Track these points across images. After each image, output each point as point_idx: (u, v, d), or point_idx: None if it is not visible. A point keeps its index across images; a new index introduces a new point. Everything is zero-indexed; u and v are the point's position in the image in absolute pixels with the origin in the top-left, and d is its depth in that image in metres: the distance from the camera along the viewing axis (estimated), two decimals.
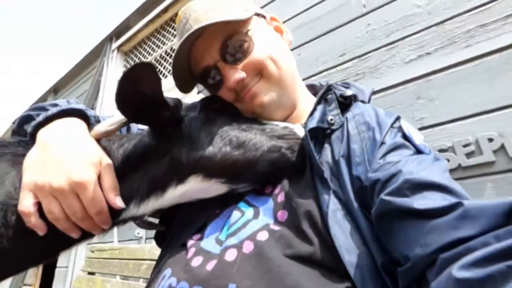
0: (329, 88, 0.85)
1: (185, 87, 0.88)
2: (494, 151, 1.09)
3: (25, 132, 0.73)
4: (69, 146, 0.63)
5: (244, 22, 0.82)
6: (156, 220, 0.87)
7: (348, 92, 0.85)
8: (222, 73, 0.82)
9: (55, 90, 5.28)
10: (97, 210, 0.61)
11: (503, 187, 1.05)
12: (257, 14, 0.87)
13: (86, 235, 0.67)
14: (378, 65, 1.50)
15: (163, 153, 0.70)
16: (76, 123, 0.71)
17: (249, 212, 0.70)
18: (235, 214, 0.70)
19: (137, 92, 0.61)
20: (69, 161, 0.61)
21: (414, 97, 1.34)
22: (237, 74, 0.79)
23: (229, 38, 0.80)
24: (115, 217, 0.66)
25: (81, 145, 0.65)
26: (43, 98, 5.40)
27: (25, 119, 0.76)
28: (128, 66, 3.92)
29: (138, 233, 2.69)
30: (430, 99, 1.29)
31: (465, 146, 1.15)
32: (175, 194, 0.70)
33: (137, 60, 3.84)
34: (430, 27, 1.38)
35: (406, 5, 1.49)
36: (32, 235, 0.60)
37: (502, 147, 1.08)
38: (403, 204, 0.55)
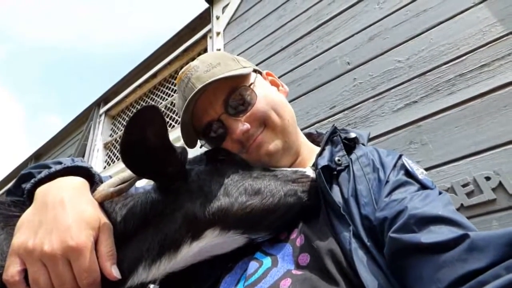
0: (334, 131, 0.88)
1: (190, 143, 0.90)
2: (493, 189, 1.11)
3: (22, 191, 0.68)
4: (67, 207, 0.58)
5: (245, 77, 0.87)
6: None
7: (352, 135, 0.89)
8: (226, 125, 0.84)
9: (37, 156, 5.16)
10: (89, 282, 0.53)
11: (509, 224, 1.06)
12: (255, 70, 0.93)
13: None
14: (368, 115, 1.58)
15: (173, 209, 0.66)
16: (78, 182, 0.67)
17: (267, 261, 0.67)
18: (253, 264, 0.67)
19: (143, 140, 0.59)
20: (66, 224, 0.55)
21: (407, 142, 1.39)
22: (242, 125, 0.81)
23: (232, 92, 0.84)
24: (120, 285, 0.59)
25: (81, 206, 0.60)
26: (24, 164, 5.24)
27: (24, 178, 0.72)
28: (116, 129, 3.95)
29: None
30: (423, 143, 1.34)
31: (464, 186, 1.17)
32: (189, 253, 0.64)
33: (124, 123, 3.87)
34: (412, 78, 1.49)
35: (388, 60, 1.62)
36: None
37: (501, 184, 1.11)
38: (411, 240, 0.55)
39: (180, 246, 0.63)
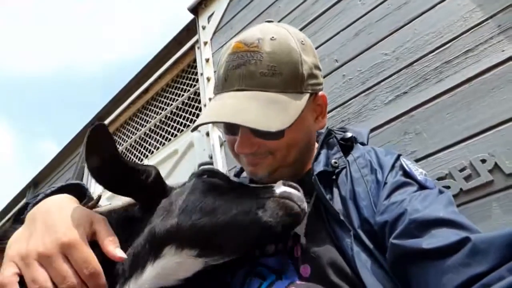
0: (329, 133, 0.87)
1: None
2: (490, 171, 1.13)
3: (21, 221, 0.67)
4: (55, 214, 0.59)
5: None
6: None
7: (348, 134, 0.88)
8: (238, 131, 0.79)
9: (35, 183, 5.13)
10: (90, 272, 0.53)
11: (508, 204, 1.07)
12: (311, 93, 0.83)
13: None
14: (360, 110, 1.59)
15: (144, 226, 0.66)
16: (64, 196, 0.67)
17: (271, 276, 0.68)
18: (255, 282, 0.67)
19: (102, 159, 0.60)
20: (56, 225, 0.56)
21: (401, 133, 1.40)
22: (247, 148, 0.78)
23: None
24: None
25: (67, 211, 0.60)
26: (22, 193, 5.21)
27: (22, 210, 0.71)
28: None
29: None
30: (417, 133, 1.36)
31: (461, 170, 1.19)
32: (153, 273, 0.62)
33: (121, 141, 3.87)
34: (401, 70, 1.51)
35: (375, 54, 1.64)
36: None
37: (496, 165, 1.12)
38: (413, 246, 0.55)
39: (145, 266, 0.62)
